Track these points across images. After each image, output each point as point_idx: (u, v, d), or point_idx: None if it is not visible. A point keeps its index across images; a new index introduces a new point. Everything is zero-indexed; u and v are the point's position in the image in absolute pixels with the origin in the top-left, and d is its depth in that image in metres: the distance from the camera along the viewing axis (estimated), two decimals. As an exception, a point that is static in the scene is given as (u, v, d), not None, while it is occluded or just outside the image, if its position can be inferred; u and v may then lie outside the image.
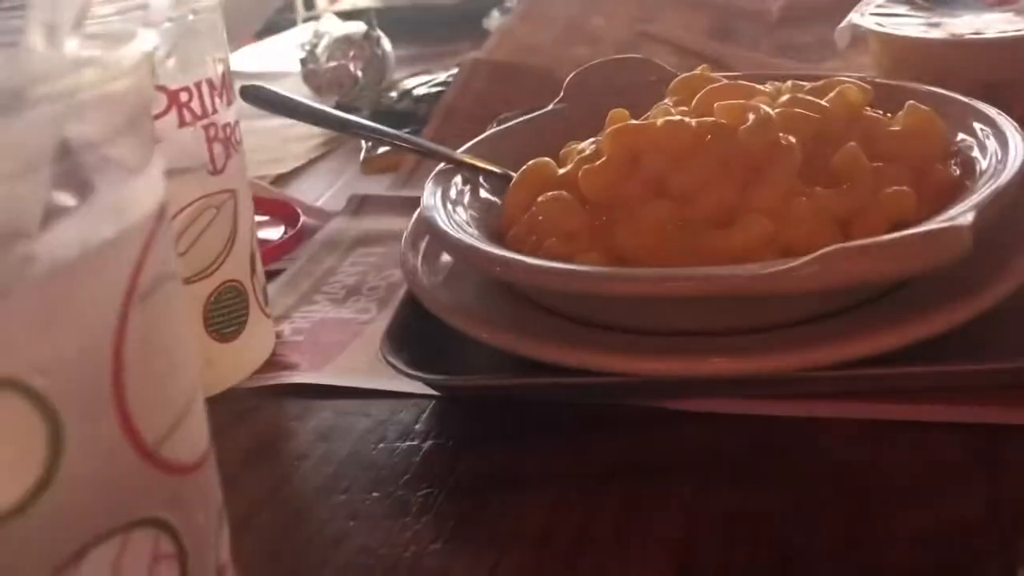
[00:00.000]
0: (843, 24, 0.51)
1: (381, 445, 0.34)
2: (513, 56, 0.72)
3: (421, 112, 0.71)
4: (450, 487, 0.32)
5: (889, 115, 0.39)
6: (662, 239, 0.34)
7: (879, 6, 0.52)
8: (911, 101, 0.38)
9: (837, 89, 0.38)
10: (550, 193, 0.37)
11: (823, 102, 0.37)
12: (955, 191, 0.35)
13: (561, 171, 0.39)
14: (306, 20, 1.25)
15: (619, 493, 0.31)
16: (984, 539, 0.27)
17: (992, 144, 0.36)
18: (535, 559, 0.28)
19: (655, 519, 0.29)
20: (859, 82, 0.39)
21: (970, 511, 0.28)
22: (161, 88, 0.35)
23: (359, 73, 0.80)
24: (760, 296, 0.30)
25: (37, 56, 0.17)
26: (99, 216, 0.18)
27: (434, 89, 0.74)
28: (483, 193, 0.41)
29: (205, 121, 0.36)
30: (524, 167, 0.40)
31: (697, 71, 0.44)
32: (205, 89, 0.36)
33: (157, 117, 0.34)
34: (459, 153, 0.43)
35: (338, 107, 0.77)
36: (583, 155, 0.39)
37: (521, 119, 0.48)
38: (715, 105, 0.37)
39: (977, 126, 0.38)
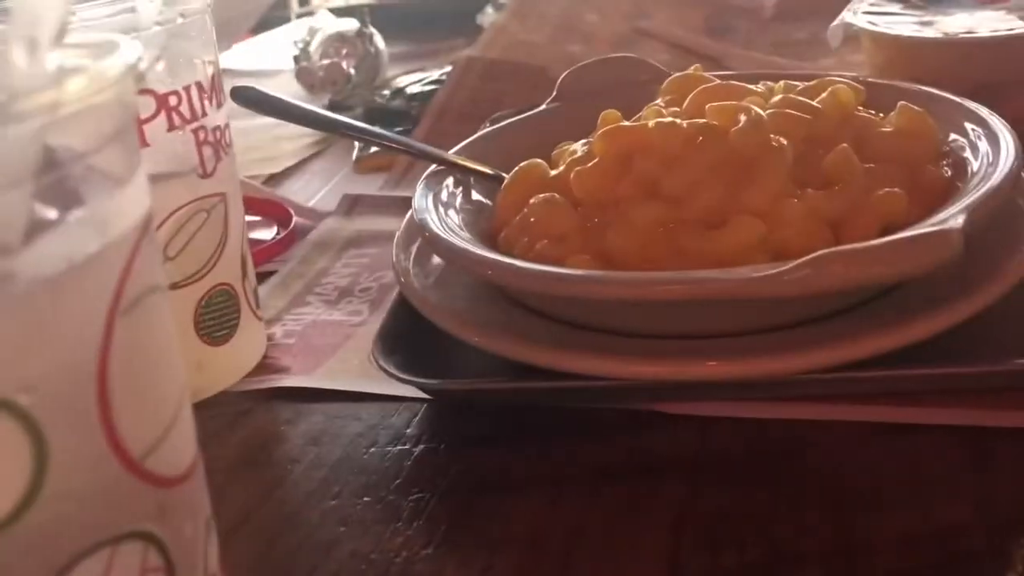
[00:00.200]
0: (836, 23, 0.51)
1: (372, 449, 0.34)
2: (506, 54, 0.72)
3: (414, 111, 0.71)
4: (441, 491, 0.32)
5: (881, 115, 0.39)
6: (653, 241, 0.34)
7: (872, 4, 0.52)
8: (903, 101, 0.38)
9: (829, 89, 0.38)
10: (542, 195, 0.37)
11: (815, 103, 0.37)
12: (947, 192, 0.35)
13: (553, 172, 0.39)
14: (300, 16, 1.24)
15: (610, 496, 0.31)
16: (974, 542, 0.27)
17: (984, 145, 0.36)
18: (527, 562, 0.28)
19: (646, 522, 0.29)
20: (851, 82, 0.39)
21: (960, 514, 0.28)
22: (150, 92, 0.34)
23: (352, 71, 0.80)
24: (751, 300, 0.30)
25: (18, 70, 0.16)
26: (83, 230, 0.18)
27: (427, 87, 0.74)
28: (475, 194, 0.41)
29: (195, 125, 0.36)
30: (516, 168, 0.40)
31: (689, 71, 0.44)
32: (195, 92, 0.36)
33: (146, 121, 0.34)
34: (451, 154, 0.43)
35: (331, 105, 0.77)
36: (575, 156, 0.39)
37: (513, 119, 0.47)
38: (707, 106, 0.37)
39: (969, 126, 0.38)
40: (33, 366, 0.16)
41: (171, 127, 0.35)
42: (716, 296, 0.30)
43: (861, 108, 0.39)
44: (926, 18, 0.49)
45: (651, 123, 0.37)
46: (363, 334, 0.42)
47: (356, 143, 0.66)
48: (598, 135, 0.37)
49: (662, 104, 0.41)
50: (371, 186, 0.61)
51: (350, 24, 0.84)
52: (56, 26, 0.17)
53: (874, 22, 0.49)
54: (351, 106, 0.76)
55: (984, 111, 0.38)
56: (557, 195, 0.37)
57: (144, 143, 0.34)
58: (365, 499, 0.32)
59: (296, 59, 0.83)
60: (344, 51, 0.81)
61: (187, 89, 0.36)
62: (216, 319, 0.38)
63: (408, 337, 0.37)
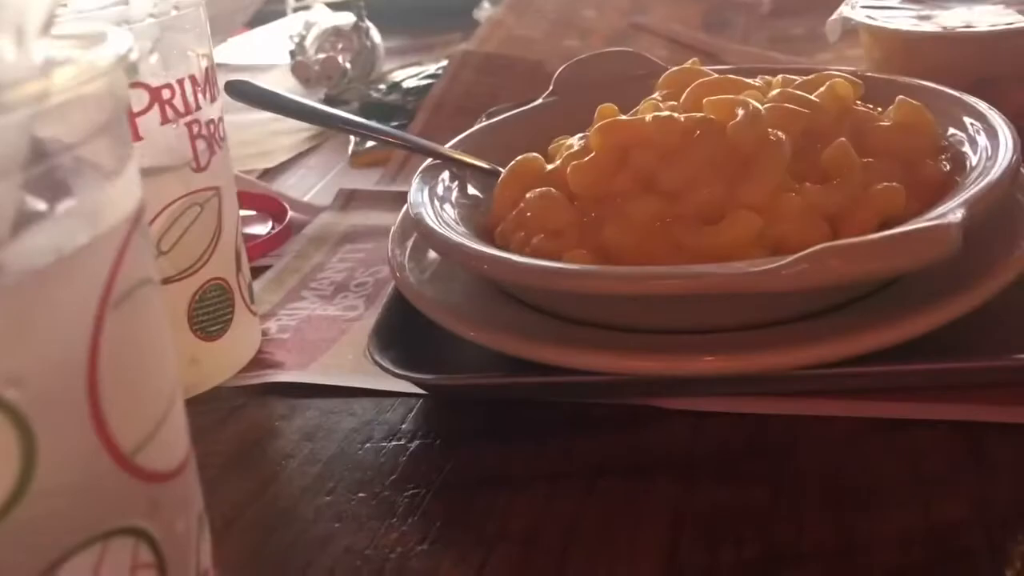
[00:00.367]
0: (834, 17, 0.51)
1: (367, 445, 0.34)
2: (503, 48, 0.72)
3: (410, 105, 0.71)
4: (437, 487, 0.31)
5: (879, 109, 0.39)
6: (650, 236, 0.34)
7: (870, -2, 0.52)
8: (901, 96, 0.38)
9: (827, 83, 0.38)
10: (538, 189, 0.37)
11: (813, 97, 0.37)
12: (945, 187, 0.35)
13: (549, 167, 0.39)
14: (296, 10, 1.24)
15: (607, 492, 0.30)
16: (972, 538, 0.27)
17: (983, 139, 0.36)
18: (522, 559, 0.28)
19: (643, 518, 0.29)
20: (849, 76, 0.39)
21: (958, 510, 0.28)
22: (143, 85, 0.34)
23: (348, 65, 0.79)
24: (748, 294, 0.29)
25: (5, 60, 0.16)
26: (73, 221, 0.17)
27: (423, 81, 0.74)
28: (471, 189, 0.41)
29: (188, 118, 0.36)
30: (512, 163, 0.39)
31: (687, 64, 0.43)
32: (188, 86, 0.36)
33: (139, 115, 0.34)
34: (447, 148, 0.42)
35: (327, 99, 0.77)
36: (571, 151, 0.38)
37: (510, 113, 0.47)
38: (704, 100, 0.37)
39: (968, 121, 0.37)
40: (21, 359, 0.16)
41: (164, 120, 0.35)
42: (712, 290, 0.30)
43: (859, 103, 0.39)
44: (924, 12, 0.49)
45: (648, 117, 0.36)
46: (358, 329, 0.42)
47: (352, 138, 0.66)
48: (594, 129, 0.37)
49: (659, 98, 0.41)
50: (367, 181, 0.61)
51: (346, 18, 0.83)
52: (44, 15, 0.17)
53: (872, 16, 0.49)
54: (347, 100, 0.76)
55: (983, 105, 0.38)
56: (553, 190, 0.37)
57: (137, 136, 0.34)
58: (360, 495, 0.31)
59: (292, 53, 0.83)
60: (340, 45, 0.81)
61: (180, 82, 0.35)
62: (210, 314, 0.38)
63: (403, 332, 0.37)
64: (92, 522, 0.17)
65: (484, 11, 0.95)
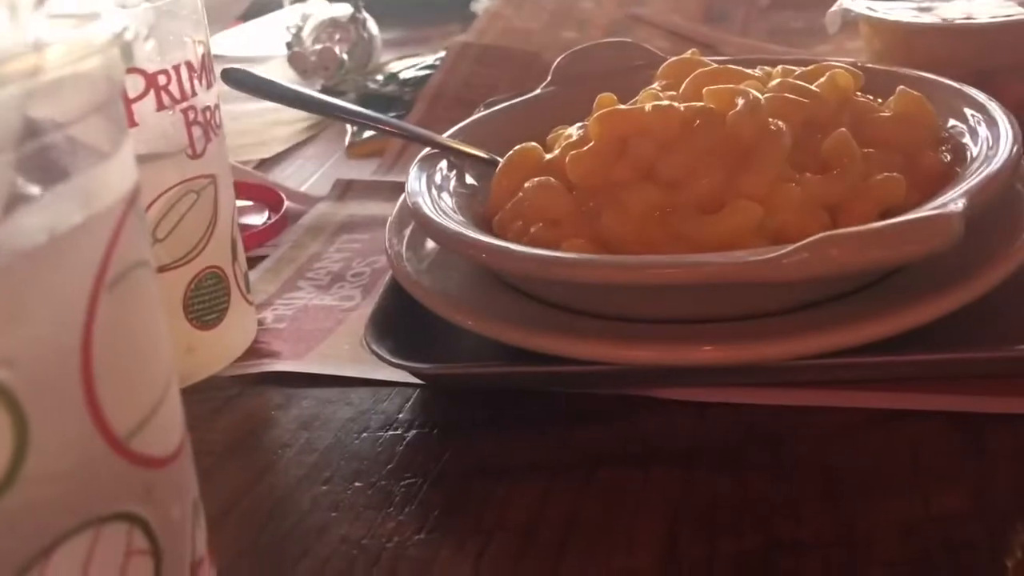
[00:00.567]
0: (834, 8, 0.51)
1: (364, 434, 0.34)
2: (501, 39, 0.71)
3: (407, 96, 0.70)
4: (434, 477, 0.31)
5: (879, 100, 0.38)
6: (649, 225, 0.34)
7: (870, -10, 0.52)
8: (902, 87, 0.38)
9: (827, 74, 0.38)
10: (536, 179, 0.36)
11: (813, 87, 0.37)
12: (946, 177, 0.34)
13: (548, 156, 0.39)
14: (293, 1, 1.24)
15: (606, 482, 0.30)
16: (972, 529, 0.27)
17: (983, 130, 0.36)
18: (520, 549, 0.28)
19: (642, 508, 0.29)
20: (849, 67, 0.39)
21: (958, 501, 0.28)
22: (138, 71, 0.34)
23: (345, 56, 0.79)
24: (748, 284, 0.29)
25: (-2, 35, 0.16)
26: (67, 201, 0.17)
27: (421, 72, 0.73)
28: (469, 178, 0.41)
29: (184, 104, 0.35)
30: (510, 152, 0.39)
31: (686, 55, 0.43)
32: (184, 72, 0.35)
33: (134, 100, 0.34)
34: (445, 137, 0.42)
35: (323, 91, 0.77)
36: (570, 140, 0.38)
37: (508, 103, 0.47)
38: (704, 90, 0.37)
39: (968, 112, 0.37)
40: (13, 341, 0.16)
41: (160, 107, 0.35)
42: (712, 280, 0.29)
43: (860, 93, 0.39)
44: (924, 4, 0.49)
45: (647, 106, 0.36)
46: (355, 319, 0.41)
47: (349, 128, 0.66)
48: (593, 118, 0.37)
49: (658, 88, 0.40)
50: (364, 171, 0.61)
51: (343, 9, 0.83)
52: (37, -10, 0.16)
53: (873, 8, 0.49)
54: (344, 92, 0.76)
55: (983, 97, 0.37)
56: (552, 179, 0.36)
57: (132, 123, 0.34)
58: (356, 484, 0.31)
59: (289, 45, 0.82)
60: (337, 36, 0.81)
61: (176, 68, 0.35)
62: (206, 303, 0.37)
63: (401, 322, 0.37)
64: (86, 507, 0.17)
65: (482, 3, 0.95)
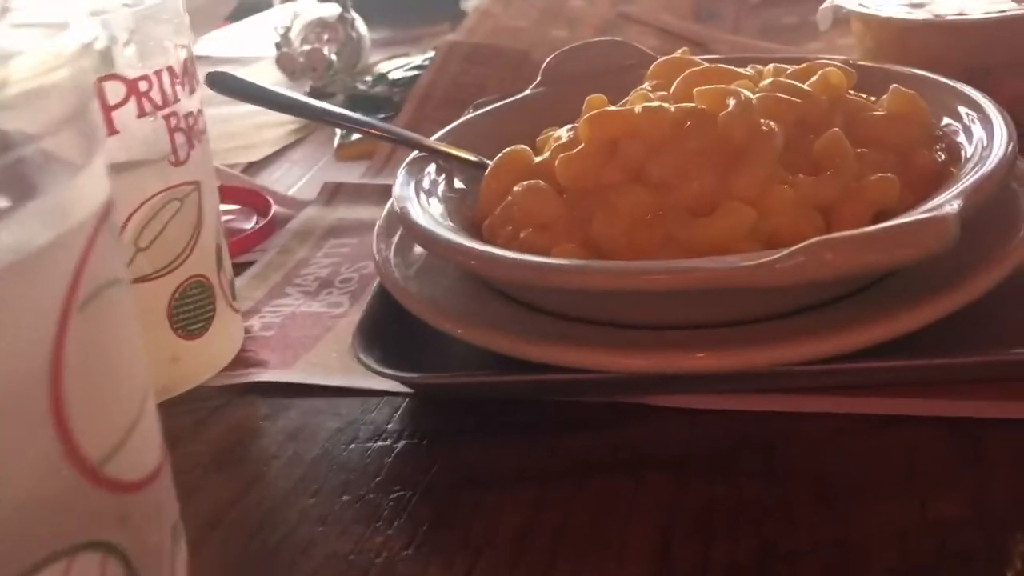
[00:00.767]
0: (825, 4, 0.50)
1: (352, 445, 0.33)
2: (490, 38, 0.71)
3: (397, 97, 0.70)
4: (423, 489, 0.31)
5: (873, 98, 0.38)
6: (640, 229, 0.33)
7: (862, -14, 0.51)
8: (895, 85, 0.37)
9: (819, 72, 0.37)
10: (526, 182, 0.36)
11: (805, 86, 0.36)
12: (940, 177, 0.34)
13: (537, 159, 0.38)
14: (283, 1, 1.23)
15: (597, 491, 0.30)
16: (971, 538, 0.26)
17: (977, 129, 0.35)
18: (511, 562, 0.27)
19: (633, 517, 0.28)
20: (842, 65, 0.38)
21: (956, 508, 0.27)
22: (119, 77, 0.33)
23: (333, 57, 0.78)
24: (742, 289, 0.29)
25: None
26: (35, 219, 0.17)
27: (410, 73, 0.73)
28: (457, 182, 0.40)
29: (166, 111, 0.35)
30: (500, 155, 0.39)
31: (677, 54, 0.43)
32: (166, 77, 0.35)
33: (115, 107, 0.33)
34: (433, 140, 0.41)
35: (312, 92, 0.76)
36: (560, 142, 0.38)
37: (497, 104, 0.46)
38: (695, 90, 0.36)
39: (963, 110, 0.37)
40: (-23, 366, 0.15)
41: (141, 113, 0.34)
42: (705, 285, 0.29)
43: (852, 92, 0.38)
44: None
45: (637, 108, 0.36)
46: (343, 326, 0.41)
47: (337, 130, 0.65)
48: (583, 120, 0.36)
49: (649, 88, 0.40)
50: (353, 174, 0.60)
51: (331, 9, 0.82)
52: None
53: (864, 4, 0.48)
54: (332, 93, 0.75)
55: (977, 94, 0.37)
56: (542, 182, 0.36)
57: (113, 130, 0.33)
58: (344, 497, 0.31)
59: (277, 45, 0.82)
60: (325, 37, 0.80)
61: (158, 74, 0.34)
62: (191, 312, 0.37)
63: (389, 329, 0.36)
64: (57, 537, 0.17)
65: (472, 1, 0.94)
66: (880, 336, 0.29)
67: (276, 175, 0.62)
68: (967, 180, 0.31)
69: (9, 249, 0.16)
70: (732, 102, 0.34)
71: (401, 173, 0.39)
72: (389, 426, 0.34)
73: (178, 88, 0.35)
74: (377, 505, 0.30)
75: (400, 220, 0.36)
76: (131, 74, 0.34)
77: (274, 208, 0.53)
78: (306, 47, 0.79)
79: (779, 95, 0.35)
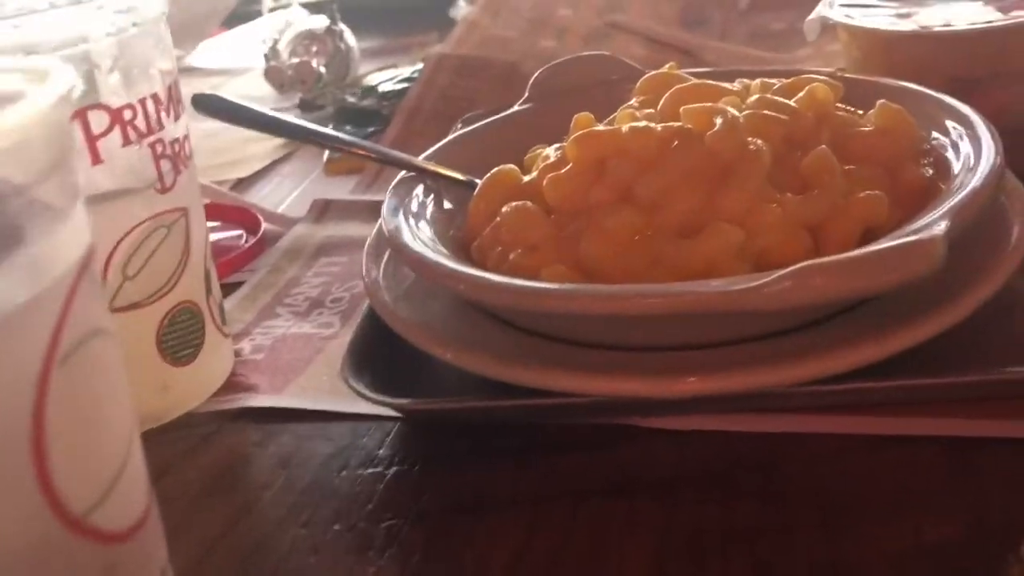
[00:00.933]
0: (812, 16, 0.50)
1: (344, 472, 0.33)
2: (479, 49, 0.71)
3: (386, 110, 0.70)
4: (414, 516, 0.30)
5: (860, 112, 0.38)
6: (629, 249, 0.33)
7: (848, -4, 0.51)
8: (882, 100, 0.37)
9: (806, 89, 0.37)
10: (514, 203, 0.36)
11: (792, 102, 0.36)
12: (928, 193, 0.34)
13: (526, 178, 0.38)
14: (272, 10, 1.22)
15: (590, 515, 0.30)
16: (965, 559, 0.26)
17: (964, 143, 0.35)
18: (504, 591, 0.27)
19: (627, 541, 0.28)
20: (828, 79, 0.38)
21: (949, 527, 0.27)
22: (103, 107, 0.33)
23: (322, 69, 0.78)
24: (730, 313, 0.29)
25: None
26: (14, 275, 0.16)
27: (399, 85, 0.73)
28: (446, 203, 0.40)
29: (151, 138, 0.34)
30: (488, 175, 0.38)
31: (664, 69, 0.43)
32: (151, 105, 0.34)
33: (99, 136, 0.33)
34: (421, 160, 0.41)
35: (301, 104, 0.76)
36: (548, 162, 0.37)
37: (485, 121, 0.46)
38: (681, 109, 0.36)
39: (950, 124, 0.37)
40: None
41: (126, 142, 0.34)
42: (693, 309, 0.29)
43: (840, 105, 0.38)
44: (903, 10, 0.48)
45: (625, 127, 0.36)
46: (334, 347, 0.41)
47: (327, 145, 0.65)
48: (570, 140, 0.36)
49: (636, 105, 0.40)
50: (343, 189, 0.60)
51: (320, 21, 0.82)
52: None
53: (850, 15, 0.48)
54: (321, 105, 0.75)
55: (965, 108, 0.37)
56: (530, 203, 0.36)
57: (98, 159, 0.33)
58: (336, 526, 0.31)
59: (265, 57, 0.82)
60: (314, 49, 0.80)
61: (142, 102, 0.34)
62: (180, 339, 0.37)
63: (379, 353, 0.36)
64: (41, 592, 0.16)
65: (460, 9, 0.94)
66: (871, 357, 0.29)
67: (265, 191, 0.62)
68: (954, 198, 0.31)
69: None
70: (719, 121, 0.34)
71: (389, 195, 0.39)
72: (380, 452, 0.34)
73: (163, 115, 0.35)
74: (369, 534, 0.30)
75: (389, 243, 0.36)
76: (115, 102, 0.33)
77: (264, 226, 0.53)
78: (295, 60, 0.79)
79: (766, 112, 0.35)
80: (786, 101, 0.36)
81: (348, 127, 0.69)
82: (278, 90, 0.80)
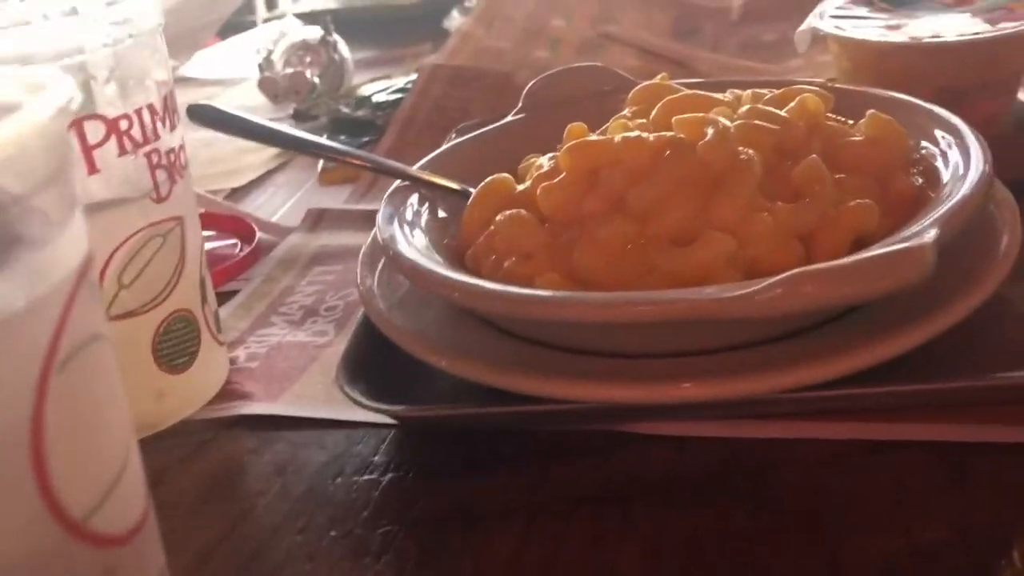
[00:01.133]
0: (803, 27, 0.51)
1: (339, 479, 0.33)
2: (472, 60, 0.71)
3: (380, 120, 0.70)
4: (410, 523, 0.31)
5: (850, 122, 0.38)
6: (622, 258, 0.33)
7: (839, 7, 0.52)
8: (872, 110, 0.37)
9: (797, 98, 0.38)
10: (508, 212, 0.36)
11: (783, 112, 0.37)
12: (918, 201, 0.34)
13: (520, 187, 0.38)
14: (267, 20, 1.23)
15: (585, 521, 0.30)
16: (956, 562, 0.26)
17: (953, 152, 0.35)
18: (499, 597, 0.28)
19: (622, 548, 0.29)
20: (819, 89, 0.39)
21: (940, 532, 0.27)
22: (99, 117, 0.33)
23: (316, 80, 0.78)
24: (722, 321, 0.29)
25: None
26: (13, 281, 0.17)
27: (393, 96, 0.73)
28: (441, 211, 0.40)
29: (147, 148, 0.35)
30: (482, 184, 0.39)
31: (656, 79, 0.43)
32: (146, 115, 0.35)
33: (95, 147, 0.33)
34: (416, 169, 0.42)
35: (295, 115, 0.76)
36: (541, 171, 0.38)
37: (479, 132, 0.47)
38: (673, 119, 0.36)
39: (939, 133, 0.37)
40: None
41: (122, 152, 0.34)
42: (685, 317, 0.29)
43: (830, 115, 0.38)
44: (893, 21, 0.49)
45: (617, 137, 0.36)
46: (329, 355, 0.41)
47: (321, 154, 0.65)
48: (564, 150, 0.37)
49: (628, 115, 0.40)
50: (337, 198, 0.60)
51: (314, 32, 0.82)
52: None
53: (841, 26, 0.49)
54: (316, 116, 0.75)
55: (953, 118, 0.37)
56: (524, 211, 0.36)
57: (94, 169, 0.33)
58: (332, 533, 0.31)
59: (260, 68, 0.82)
60: (308, 59, 0.80)
61: (138, 112, 0.34)
62: (175, 347, 0.37)
63: (374, 361, 0.36)
64: (41, 596, 0.17)
65: (454, 20, 0.95)
66: (863, 363, 0.30)
67: (260, 200, 0.63)
68: (944, 206, 0.31)
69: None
70: (710, 131, 0.35)
71: (384, 204, 0.39)
72: (375, 459, 0.34)
73: (159, 125, 0.35)
74: (365, 541, 0.30)
75: (384, 252, 0.36)
76: (111, 113, 0.34)
77: (258, 235, 0.54)
78: (289, 70, 0.79)
79: (757, 122, 0.36)
80: (777, 111, 0.37)
81: (342, 137, 0.69)
82: (272, 100, 0.80)
